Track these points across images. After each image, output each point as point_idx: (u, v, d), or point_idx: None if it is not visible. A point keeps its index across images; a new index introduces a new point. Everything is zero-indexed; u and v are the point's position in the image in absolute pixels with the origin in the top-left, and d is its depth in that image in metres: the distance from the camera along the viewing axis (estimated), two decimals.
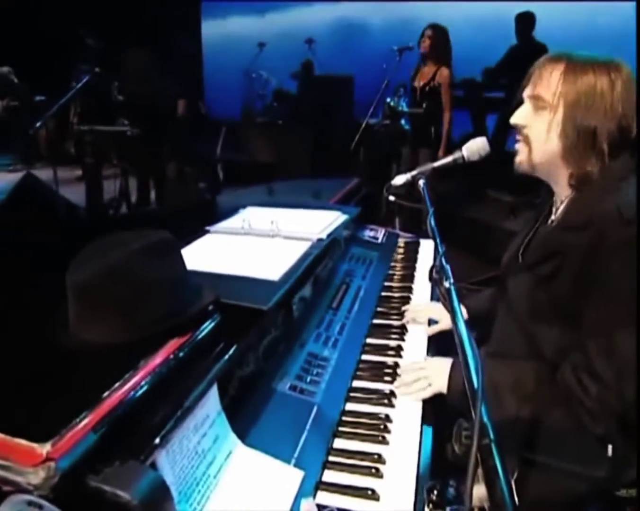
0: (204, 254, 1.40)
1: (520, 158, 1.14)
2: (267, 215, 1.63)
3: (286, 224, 1.55)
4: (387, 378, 1.22)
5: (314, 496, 0.87)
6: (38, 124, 3.64)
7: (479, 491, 0.59)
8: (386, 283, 1.75)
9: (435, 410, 1.13)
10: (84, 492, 0.62)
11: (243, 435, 0.92)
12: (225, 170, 5.48)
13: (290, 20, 8.08)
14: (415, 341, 1.40)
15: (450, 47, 3.93)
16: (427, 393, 1.14)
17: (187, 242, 1.45)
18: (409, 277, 1.81)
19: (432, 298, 1.65)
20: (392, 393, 1.16)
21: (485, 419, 0.56)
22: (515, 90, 1.17)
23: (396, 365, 1.27)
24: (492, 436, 0.55)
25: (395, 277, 1.81)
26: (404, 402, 1.14)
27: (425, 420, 1.09)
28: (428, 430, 1.07)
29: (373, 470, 0.93)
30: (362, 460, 0.96)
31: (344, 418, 1.08)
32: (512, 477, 0.93)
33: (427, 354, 1.35)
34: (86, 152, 4.63)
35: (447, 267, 0.86)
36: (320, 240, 1.47)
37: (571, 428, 0.96)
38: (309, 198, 2.18)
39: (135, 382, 0.76)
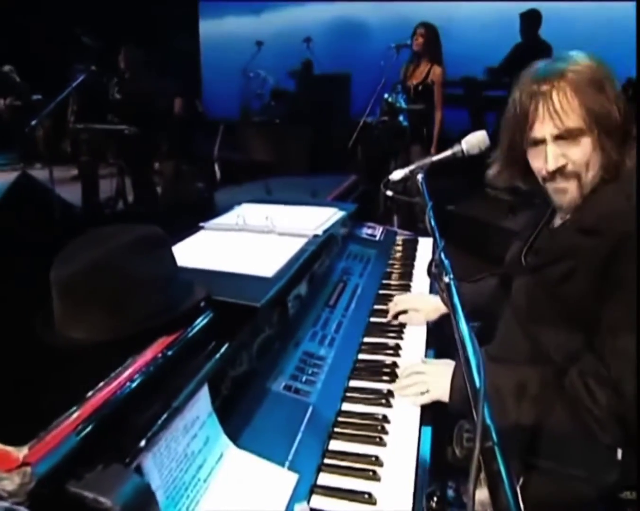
0: (197, 250, 1.37)
1: (570, 196, 1.04)
2: (262, 212, 1.60)
3: (281, 220, 1.52)
4: (385, 378, 1.19)
5: (308, 501, 0.84)
6: (33, 123, 3.63)
7: (481, 495, 0.56)
8: (384, 281, 1.72)
9: (435, 411, 1.10)
10: (63, 498, 0.59)
11: (235, 436, 0.89)
12: (222, 169, 5.45)
13: (285, 20, 8.17)
14: (414, 340, 1.37)
15: (441, 44, 3.94)
16: (425, 399, 1.09)
17: (181, 238, 1.43)
18: (407, 274, 1.78)
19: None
20: (389, 393, 1.12)
21: (488, 421, 0.53)
22: None
23: (394, 364, 1.23)
24: (495, 438, 0.52)
25: (394, 274, 1.79)
26: (402, 403, 1.10)
27: (424, 420, 1.06)
28: (427, 431, 1.04)
29: (370, 473, 0.90)
30: (358, 462, 0.93)
31: (340, 419, 1.05)
32: (517, 483, 0.90)
33: (427, 353, 1.32)
34: (82, 150, 4.61)
35: (447, 261, 0.84)
36: (316, 236, 1.45)
37: (578, 433, 0.93)
38: (306, 196, 2.15)
39: (120, 382, 0.73)
